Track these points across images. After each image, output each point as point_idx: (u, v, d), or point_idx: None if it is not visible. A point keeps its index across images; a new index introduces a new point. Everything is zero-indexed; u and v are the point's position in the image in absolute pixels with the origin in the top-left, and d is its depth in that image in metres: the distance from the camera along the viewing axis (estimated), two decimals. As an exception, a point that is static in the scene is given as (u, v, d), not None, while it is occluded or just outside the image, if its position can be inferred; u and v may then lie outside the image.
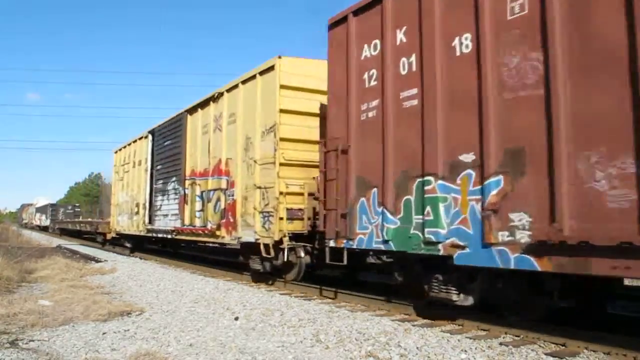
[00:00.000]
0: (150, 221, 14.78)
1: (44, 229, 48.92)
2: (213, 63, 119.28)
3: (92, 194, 77.91)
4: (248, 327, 5.99)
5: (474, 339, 5.21)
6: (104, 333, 5.64)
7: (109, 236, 20.33)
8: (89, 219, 36.56)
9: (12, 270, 9.93)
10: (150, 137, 15.26)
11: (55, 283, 9.68)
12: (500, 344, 5.02)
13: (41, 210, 55.39)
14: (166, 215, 13.52)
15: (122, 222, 18.05)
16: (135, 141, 16.98)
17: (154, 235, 14.77)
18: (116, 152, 19.72)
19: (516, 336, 5.26)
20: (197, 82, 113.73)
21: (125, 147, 18.34)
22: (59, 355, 4.75)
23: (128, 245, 18.71)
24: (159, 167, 14.34)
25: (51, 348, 5.00)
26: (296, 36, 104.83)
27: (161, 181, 14.08)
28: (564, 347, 4.83)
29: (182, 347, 5.06)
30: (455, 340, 5.19)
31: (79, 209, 52.68)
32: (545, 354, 4.65)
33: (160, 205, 14.01)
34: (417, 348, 4.86)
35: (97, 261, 15.43)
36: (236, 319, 6.42)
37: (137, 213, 15.96)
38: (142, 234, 15.54)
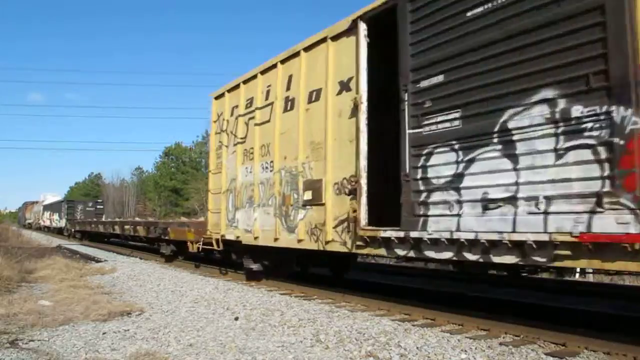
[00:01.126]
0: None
1: (56, 231, 39.35)
2: (214, 63, 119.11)
3: (92, 194, 77.90)
4: (248, 327, 5.99)
5: (474, 339, 5.21)
6: (104, 333, 5.64)
7: (193, 247, 11.55)
8: (138, 219, 26.70)
9: (12, 270, 9.93)
10: (363, 29, 6.85)
11: (55, 283, 9.68)
12: (500, 344, 5.02)
13: (52, 208, 43.65)
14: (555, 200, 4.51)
15: (247, 221, 9.29)
16: (288, 59, 8.47)
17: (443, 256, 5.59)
18: (218, 97, 10.82)
19: (516, 336, 5.26)
20: (197, 82, 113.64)
21: (247, 81, 9.70)
22: (59, 355, 4.75)
23: (253, 267, 9.68)
24: (452, 78, 5.57)
25: (51, 348, 5.00)
26: (300, 38, 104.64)
27: (477, 110, 5.30)
28: (564, 347, 4.83)
29: (182, 347, 5.06)
30: (455, 340, 5.19)
31: (102, 206, 40.77)
32: (545, 354, 4.64)
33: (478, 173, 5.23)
34: (417, 348, 4.86)
35: (97, 261, 15.42)
36: (236, 319, 6.42)
37: (316, 201, 7.48)
38: (345, 248, 6.94)
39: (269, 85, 8.98)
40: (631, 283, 9.70)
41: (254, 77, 9.44)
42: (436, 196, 5.59)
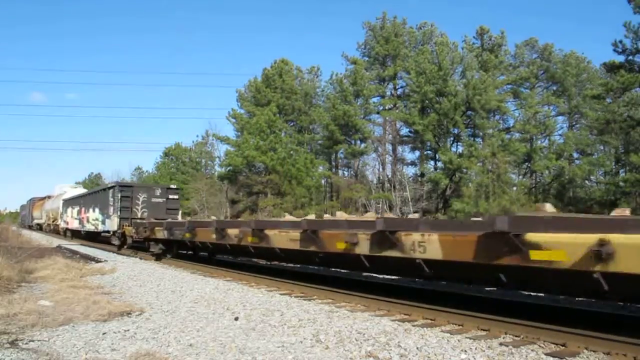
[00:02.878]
0: None
1: (92, 237, 24.52)
2: (215, 63, 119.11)
3: (92, 194, 77.51)
4: (248, 327, 5.99)
5: (474, 339, 5.22)
6: (104, 333, 5.64)
7: None
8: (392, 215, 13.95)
9: (12, 270, 9.92)
10: None
11: (55, 283, 9.68)
12: (500, 344, 5.02)
13: (87, 201, 25.35)
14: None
15: None
16: None
17: None
18: None
19: (516, 336, 5.26)
20: (198, 82, 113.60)
21: None
22: (59, 355, 4.75)
23: None
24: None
25: (51, 348, 5.00)
26: (302, 36, 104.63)
27: None
28: (564, 347, 4.83)
29: (182, 347, 5.06)
30: (455, 340, 5.19)
31: (176, 197, 22.20)
32: (545, 354, 4.65)
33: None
34: (417, 348, 4.87)
35: (97, 261, 15.41)
36: (236, 319, 6.42)
37: None
38: None
39: None
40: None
41: None
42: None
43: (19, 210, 73.98)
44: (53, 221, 35.74)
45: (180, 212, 21.39)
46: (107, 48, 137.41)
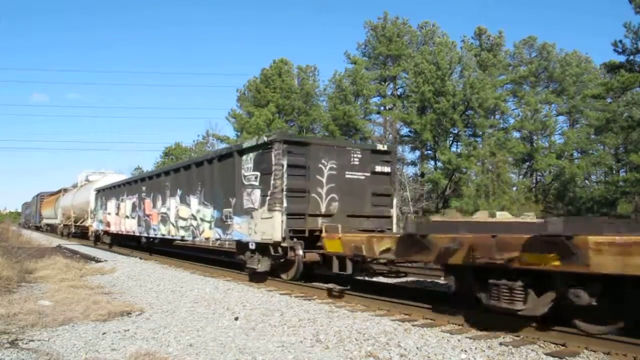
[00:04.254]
0: None
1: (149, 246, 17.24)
2: (216, 63, 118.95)
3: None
4: (248, 327, 5.99)
5: (474, 339, 5.21)
6: (104, 333, 5.64)
7: None
8: None
9: (12, 270, 9.92)
10: None
11: (55, 283, 9.68)
12: (500, 344, 5.02)
13: (161, 186, 13.64)
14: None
15: None
16: None
17: None
18: None
19: (516, 336, 5.26)
20: (199, 82, 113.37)
21: None
22: (59, 355, 4.75)
23: None
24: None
25: (51, 348, 5.00)
26: (300, 36, 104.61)
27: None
28: (564, 347, 4.83)
29: (182, 347, 5.06)
30: (455, 340, 5.19)
31: (388, 169, 10.24)
32: (545, 354, 4.65)
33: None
34: (417, 348, 4.87)
35: (97, 261, 15.40)
36: (236, 319, 6.42)
37: None
38: None
39: None
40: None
41: None
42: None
43: (20, 210, 69.76)
44: (76, 221, 26.28)
45: (395, 200, 10.71)
46: (107, 49, 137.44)
